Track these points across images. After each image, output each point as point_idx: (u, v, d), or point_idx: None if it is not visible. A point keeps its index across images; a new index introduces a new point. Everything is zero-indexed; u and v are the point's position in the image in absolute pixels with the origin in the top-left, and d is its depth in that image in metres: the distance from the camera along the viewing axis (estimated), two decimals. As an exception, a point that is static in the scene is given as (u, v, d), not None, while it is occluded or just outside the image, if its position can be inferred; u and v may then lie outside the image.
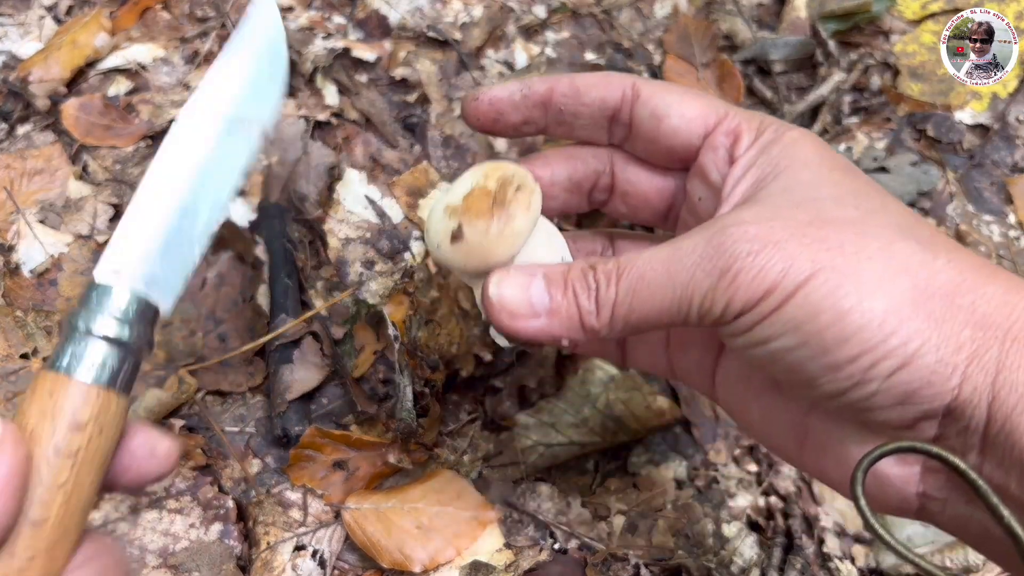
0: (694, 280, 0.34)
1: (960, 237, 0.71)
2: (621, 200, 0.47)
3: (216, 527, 0.57)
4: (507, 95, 0.43)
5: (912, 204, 0.73)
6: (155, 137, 0.77)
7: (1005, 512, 0.31)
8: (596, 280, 0.37)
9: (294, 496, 0.59)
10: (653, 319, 0.36)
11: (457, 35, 0.83)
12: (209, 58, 0.81)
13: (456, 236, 0.39)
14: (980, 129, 0.77)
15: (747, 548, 0.58)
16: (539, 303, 0.37)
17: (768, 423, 0.41)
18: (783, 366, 0.35)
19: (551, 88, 0.43)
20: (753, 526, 0.59)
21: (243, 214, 0.70)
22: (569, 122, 0.44)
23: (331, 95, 0.80)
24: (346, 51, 0.81)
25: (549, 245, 0.42)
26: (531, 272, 0.38)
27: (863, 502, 0.33)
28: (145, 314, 0.36)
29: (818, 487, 0.61)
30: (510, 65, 0.82)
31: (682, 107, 0.42)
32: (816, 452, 0.38)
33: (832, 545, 0.58)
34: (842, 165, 0.38)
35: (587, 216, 0.66)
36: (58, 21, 0.84)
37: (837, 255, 0.33)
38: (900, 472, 0.35)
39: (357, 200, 0.73)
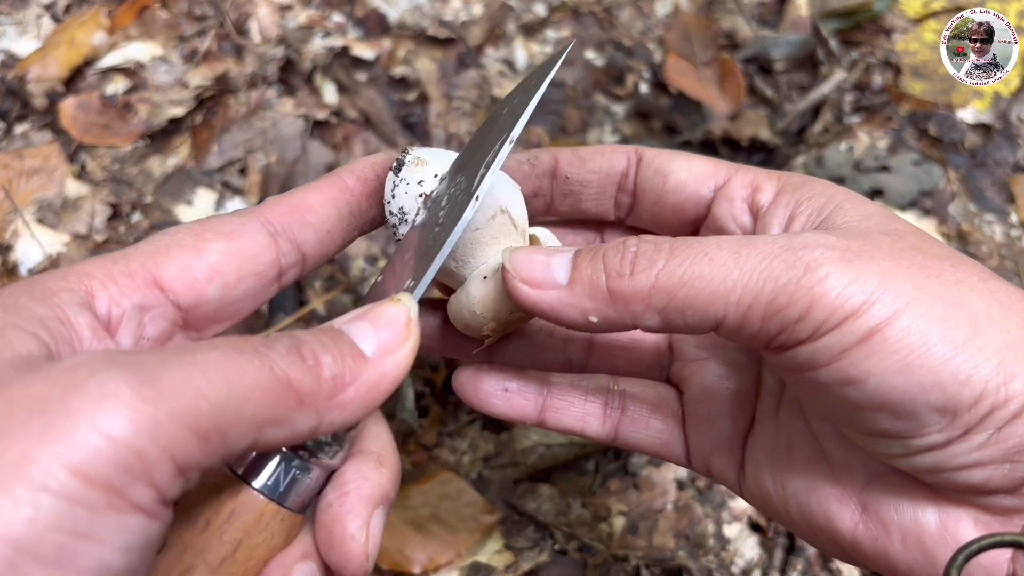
0: (770, 268, 0.28)
1: (962, 237, 0.71)
2: None
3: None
4: (515, 165, 0.41)
5: (914, 203, 0.73)
6: (153, 136, 0.77)
7: None
8: (638, 246, 0.31)
9: (293, 497, 0.59)
10: (701, 307, 0.29)
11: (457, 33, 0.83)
12: (207, 56, 0.81)
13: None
14: (982, 128, 0.76)
15: (748, 549, 0.58)
16: (560, 272, 0.32)
17: (812, 505, 0.35)
18: (882, 413, 0.28)
19: (555, 157, 0.41)
20: (754, 527, 0.59)
21: (242, 213, 0.70)
22: (576, 192, 0.42)
23: (330, 94, 0.79)
24: (345, 49, 0.81)
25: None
26: (559, 249, 0.34)
27: None
28: None
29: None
30: (510, 64, 0.82)
31: (688, 163, 0.39)
32: (876, 531, 0.33)
33: (834, 546, 0.58)
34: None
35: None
36: (56, 19, 0.84)
37: (938, 283, 0.28)
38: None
39: (356, 199, 0.73)
